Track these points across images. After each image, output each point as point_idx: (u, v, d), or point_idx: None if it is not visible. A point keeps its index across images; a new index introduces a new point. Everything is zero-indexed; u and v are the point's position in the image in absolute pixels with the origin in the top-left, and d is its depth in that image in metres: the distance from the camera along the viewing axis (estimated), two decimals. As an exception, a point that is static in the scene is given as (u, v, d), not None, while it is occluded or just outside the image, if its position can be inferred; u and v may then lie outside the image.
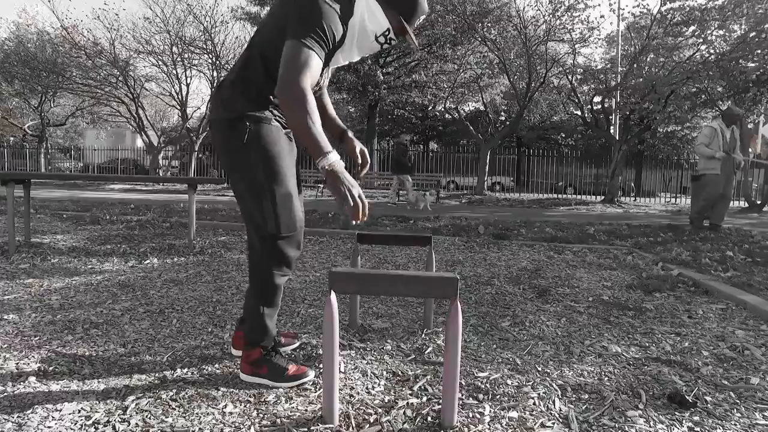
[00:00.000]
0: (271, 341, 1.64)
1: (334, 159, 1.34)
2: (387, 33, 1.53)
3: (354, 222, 1.29)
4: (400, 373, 1.69)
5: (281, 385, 1.57)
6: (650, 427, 1.38)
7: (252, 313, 1.61)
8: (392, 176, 11.38)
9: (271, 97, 1.55)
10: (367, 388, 1.58)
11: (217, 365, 1.73)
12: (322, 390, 1.40)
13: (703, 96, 11.91)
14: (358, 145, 1.71)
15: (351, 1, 1.48)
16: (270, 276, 1.57)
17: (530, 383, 1.64)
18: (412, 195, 10.25)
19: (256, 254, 1.59)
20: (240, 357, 1.68)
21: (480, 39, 13.75)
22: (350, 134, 1.74)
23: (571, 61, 14.05)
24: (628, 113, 13.39)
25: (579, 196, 15.77)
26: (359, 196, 1.31)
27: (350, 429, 1.32)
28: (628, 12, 15.29)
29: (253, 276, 1.61)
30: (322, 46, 1.40)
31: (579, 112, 14.61)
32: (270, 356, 1.61)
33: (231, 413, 1.39)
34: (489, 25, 13.96)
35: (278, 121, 1.58)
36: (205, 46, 17.02)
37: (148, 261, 3.53)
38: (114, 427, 1.30)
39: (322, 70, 1.50)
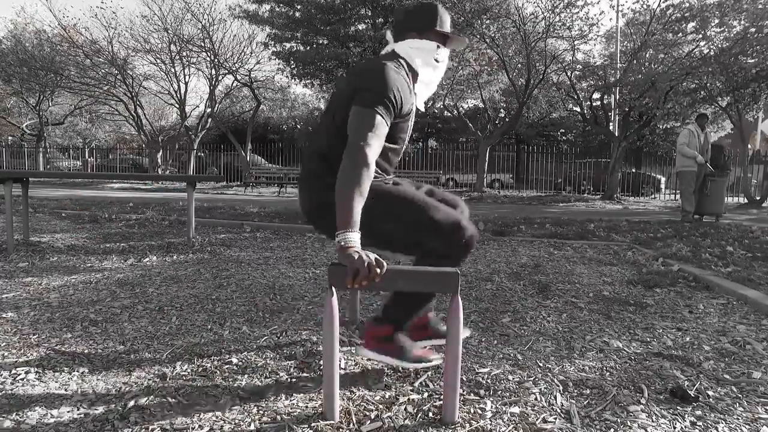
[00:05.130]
0: (406, 324, 1.66)
1: (352, 239, 1.30)
2: (438, 48, 1.62)
3: (348, 286, 1.28)
4: (400, 369, 1.68)
5: (406, 364, 1.59)
6: (652, 421, 1.37)
7: (409, 294, 1.60)
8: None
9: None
10: (367, 384, 1.57)
11: (216, 362, 1.72)
12: (322, 386, 1.39)
13: (702, 92, 11.87)
14: None
15: (411, 65, 1.60)
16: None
17: (531, 378, 1.64)
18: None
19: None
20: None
21: (479, 36, 13.68)
22: None
23: (570, 58, 14.01)
24: (627, 110, 13.36)
25: (578, 193, 15.77)
26: (368, 266, 1.26)
27: (351, 425, 1.32)
28: (628, 8, 15.22)
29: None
30: (390, 113, 1.45)
31: (578, 109, 14.55)
32: (398, 335, 1.62)
33: (231, 410, 1.39)
34: (488, 21, 13.90)
35: (376, 177, 1.59)
36: (203, 44, 16.96)
37: (147, 259, 3.52)
38: (113, 425, 1.29)
39: (403, 132, 1.61)
